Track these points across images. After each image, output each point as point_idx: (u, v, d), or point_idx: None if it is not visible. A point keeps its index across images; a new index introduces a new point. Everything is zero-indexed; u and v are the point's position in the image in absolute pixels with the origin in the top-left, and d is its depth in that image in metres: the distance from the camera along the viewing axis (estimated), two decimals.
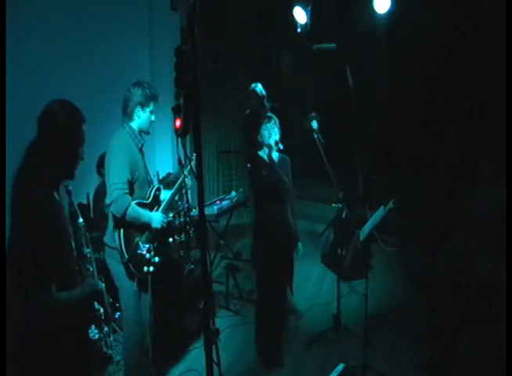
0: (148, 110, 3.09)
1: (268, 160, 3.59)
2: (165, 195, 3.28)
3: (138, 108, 3.06)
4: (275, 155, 3.61)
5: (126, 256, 2.95)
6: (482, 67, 5.70)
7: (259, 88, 5.34)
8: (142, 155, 3.17)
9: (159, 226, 3.09)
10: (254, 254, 3.83)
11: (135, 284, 3.06)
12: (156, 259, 3.07)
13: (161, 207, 3.19)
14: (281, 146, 3.61)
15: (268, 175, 3.53)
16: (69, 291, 2.09)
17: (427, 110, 6.53)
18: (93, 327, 2.25)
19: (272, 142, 3.55)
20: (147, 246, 3.06)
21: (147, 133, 3.19)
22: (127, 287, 3.08)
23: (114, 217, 2.97)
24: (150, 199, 3.15)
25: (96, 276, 2.38)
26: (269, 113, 3.66)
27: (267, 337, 3.84)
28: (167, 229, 3.20)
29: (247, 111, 5.45)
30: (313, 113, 4.09)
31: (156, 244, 3.13)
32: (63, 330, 2.07)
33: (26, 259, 1.98)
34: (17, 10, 3.76)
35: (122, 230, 2.97)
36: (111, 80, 4.86)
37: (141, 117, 3.08)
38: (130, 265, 2.98)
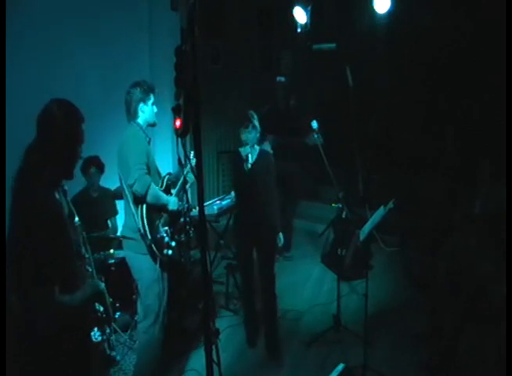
0: (149, 102, 3.23)
1: (244, 158, 3.82)
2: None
3: (141, 104, 3.21)
4: (253, 152, 3.82)
5: (149, 237, 3.06)
6: (482, 67, 5.70)
7: (283, 78, 5.49)
8: (151, 152, 3.29)
9: (175, 208, 3.24)
10: (236, 249, 4.09)
11: (158, 265, 3.14)
12: (173, 243, 3.21)
13: (174, 191, 3.36)
14: (256, 147, 3.84)
15: (242, 172, 3.78)
16: (71, 295, 2.09)
17: (427, 110, 6.52)
18: (95, 329, 2.25)
19: (248, 144, 3.79)
20: (165, 228, 3.20)
21: (153, 125, 3.33)
22: (147, 276, 3.17)
23: (136, 198, 3.06)
24: (164, 187, 3.31)
25: (95, 276, 2.37)
26: (249, 115, 3.78)
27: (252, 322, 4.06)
28: (179, 213, 3.32)
29: (266, 107, 5.49)
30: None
31: (171, 228, 3.26)
32: (64, 330, 2.06)
33: (26, 259, 1.97)
34: (16, 10, 3.76)
35: (145, 212, 3.08)
36: (111, 80, 4.85)
37: (145, 111, 3.22)
38: (153, 246, 3.08)
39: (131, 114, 3.21)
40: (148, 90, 3.19)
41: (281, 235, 3.95)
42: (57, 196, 2.13)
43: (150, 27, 5.61)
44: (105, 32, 4.81)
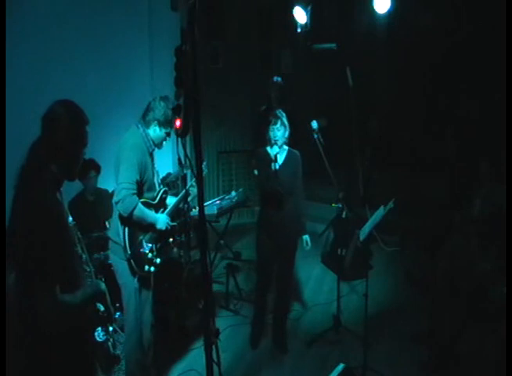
0: (164, 131, 3.14)
1: (271, 156, 3.65)
2: (171, 200, 3.33)
3: (156, 124, 3.11)
4: (281, 152, 3.69)
5: (129, 252, 2.99)
6: (482, 67, 5.70)
7: (280, 79, 5.46)
8: (152, 159, 3.20)
9: (163, 228, 3.14)
10: (256, 249, 3.92)
11: (136, 281, 3.07)
12: (158, 260, 3.11)
13: (167, 210, 3.25)
14: (285, 147, 3.72)
15: (270, 172, 3.60)
16: (72, 294, 2.08)
17: (427, 110, 6.52)
18: (99, 329, 2.24)
19: (277, 143, 3.63)
20: (150, 245, 3.11)
21: (157, 147, 3.23)
22: (129, 284, 3.10)
23: (120, 215, 2.99)
24: (157, 200, 3.20)
25: (95, 276, 2.37)
26: (278, 113, 3.66)
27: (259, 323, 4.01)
28: (171, 232, 3.24)
29: (263, 108, 5.50)
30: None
31: (159, 245, 3.16)
32: (67, 330, 2.06)
33: (27, 258, 1.97)
34: (17, 10, 3.76)
35: (127, 227, 3.01)
36: (111, 80, 4.86)
37: (156, 133, 3.14)
38: (132, 262, 3.01)
39: (145, 122, 3.12)
40: (169, 121, 3.09)
41: (307, 236, 3.87)
42: (59, 196, 2.14)
43: (150, 27, 5.61)
44: (105, 32, 4.80)
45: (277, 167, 3.60)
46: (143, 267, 3.05)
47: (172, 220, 3.26)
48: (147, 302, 3.20)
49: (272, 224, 3.75)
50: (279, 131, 3.62)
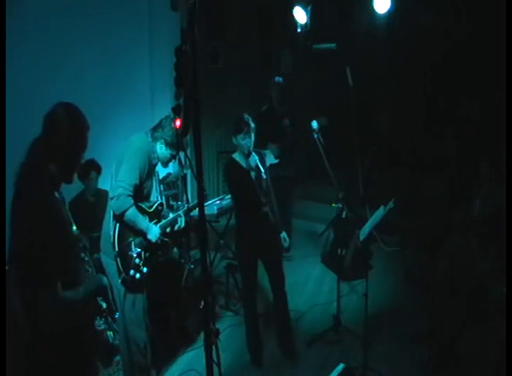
0: (170, 152, 3.12)
1: (245, 166, 3.58)
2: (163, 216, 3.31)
3: (163, 142, 3.10)
4: (252, 158, 3.54)
5: (116, 249, 2.95)
6: (482, 67, 5.71)
7: (281, 79, 5.46)
8: (154, 171, 3.20)
9: (153, 239, 3.08)
10: (237, 256, 3.86)
11: (119, 281, 3.01)
12: (145, 269, 3.04)
13: (161, 223, 3.20)
14: (255, 157, 3.54)
15: (250, 181, 3.55)
16: (75, 289, 2.09)
17: (427, 110, 6.53)
18: (98, 318, 2.25)
19: (250, 150, 3.53)
20: (138, 250, 3.05)
21: (162, 165, 3.23)
22: (119, 285, 3.07)
23: (113, 211, 2.98)
24: (152, 209, 3.18)
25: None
26: (247, 120, 3.53)
27: (256, 337, 3.87)
28: (160, 246, 3.18)
29: (264, 108, 5.50)
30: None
31: (147, 254, 3.11)
32: (67, 330, 2.06)
33: (28, 259, 1.97)
34: (17, 10, 3.76)
35: (118, 223, 2.99)
36: (111, 80, 4.85)
37: (162, 151, 3.13)
38: (118, 260, 2.96)
39: (153, 137, 3.09)
40: (173, 144, 3.06)
41: (285, 234, 3.84)
42: (58, 195, 2.14)
43: (150, 27, 5.61)
44: (104, 32, 4.80)
45: (264, 176, 3.54)
46: (129, 270, 2.98)
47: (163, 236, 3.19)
48: (135, 305, 3.14)
49: (254, 230, 3.66)
50: (251, 139, 3.52)
